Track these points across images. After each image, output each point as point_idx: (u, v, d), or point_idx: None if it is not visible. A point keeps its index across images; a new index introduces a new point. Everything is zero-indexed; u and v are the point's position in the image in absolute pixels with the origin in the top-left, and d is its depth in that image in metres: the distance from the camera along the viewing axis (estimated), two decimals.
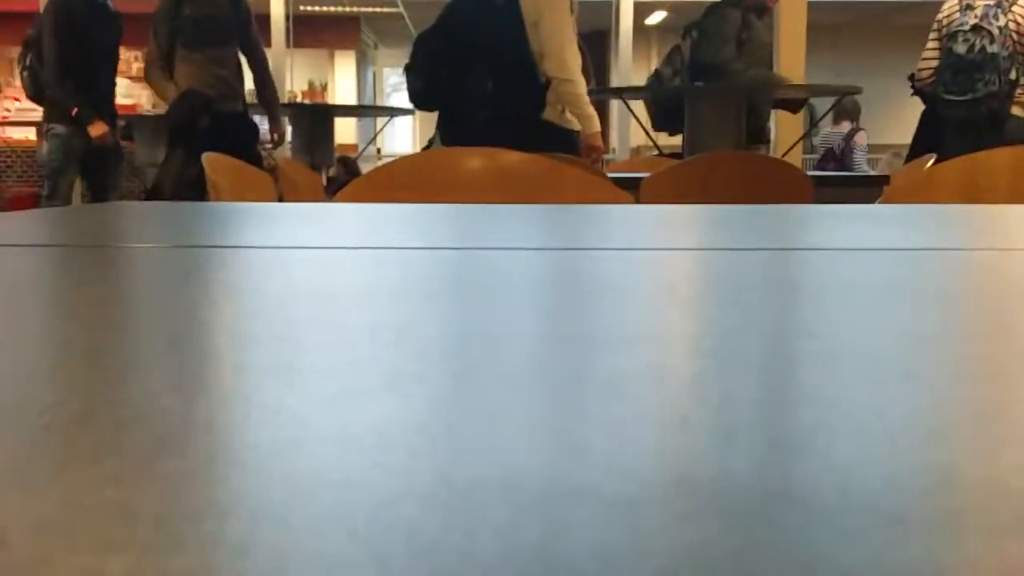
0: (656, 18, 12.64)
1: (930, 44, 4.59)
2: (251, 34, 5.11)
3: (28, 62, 5.23)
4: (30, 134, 8.77)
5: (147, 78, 5.15)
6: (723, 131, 4.28)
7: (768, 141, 4.80)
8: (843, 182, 3.69)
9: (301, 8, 12.00)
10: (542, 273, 0.66)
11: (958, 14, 4.51)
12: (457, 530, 0.21)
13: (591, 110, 3.72)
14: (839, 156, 7.89)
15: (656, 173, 2.72)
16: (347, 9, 13.53)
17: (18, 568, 0.19)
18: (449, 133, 4.59)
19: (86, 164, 5.16)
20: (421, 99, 4.79)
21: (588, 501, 0.22)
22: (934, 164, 2.47)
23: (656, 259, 0.79)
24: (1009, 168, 2.00)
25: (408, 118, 13.89)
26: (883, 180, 3.22)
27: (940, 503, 0.23)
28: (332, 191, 4.23)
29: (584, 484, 0.23)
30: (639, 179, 2.66)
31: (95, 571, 0.19)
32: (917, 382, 0.35)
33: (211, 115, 4.88)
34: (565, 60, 3.66)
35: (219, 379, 0.35)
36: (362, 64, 14.85)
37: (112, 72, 5.33)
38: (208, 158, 2.42)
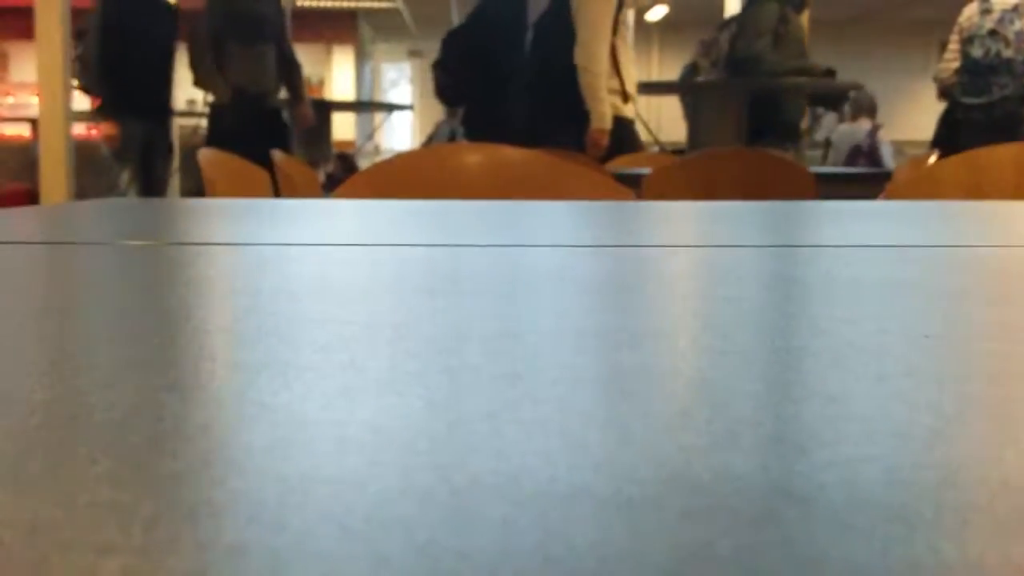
0: (657, 14, 12.64)
1: (951, 46, 4.69)
2: (285, 27, 5.13)
3: (79, 53, 5.19)
4: (24, 130, 8.76)
5: (199, 75, 5.06)
6: (725, 127, 4.29)
7: (798, 138, 4.73)
8: (845, 178, 3.69)
9: (298, 3, 12.00)
10: (542, 270, 0.66)
11: (977, 18, 4.59)
12: (455, 529, 0.20)
13: (604, 107, 3.76)
14: (868, 152, 7.89)
15: (658, 169, 2.72)
16: (345, 4, 13.53)
17: (13, 569, 0.18)
18: (477, 128, 4.67)
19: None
20: (450, 95, 4.91)
21: (587, 500, 0.22)
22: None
23: (658, 256, 0.79)
24: (1012, 165, 2.00)
25: (407, 114, 13.90)
26: (885, 176, 3.22)
27: (944, 500, 0.22)
28: (330, 188, 4.24)
29: (583, 483, 0.23)
30: (641, 176, 2.66)
31: (90, 572, 0.18)
32: (919, 379, 0.35)
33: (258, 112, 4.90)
34: (593, 51, 3.70)
35: (214, 377, 0.35)
36: (360, 59, 14.85)
37: (167, 68, 5.25)
38: (204, 154, 2.42)
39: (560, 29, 3.88)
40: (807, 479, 0.24)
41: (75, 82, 5.31)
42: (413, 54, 15.33)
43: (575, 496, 0.22)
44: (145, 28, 5.00)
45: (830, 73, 4.72)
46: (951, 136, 4.42)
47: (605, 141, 3.80)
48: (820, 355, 0.39)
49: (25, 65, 11.47)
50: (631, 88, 3.89)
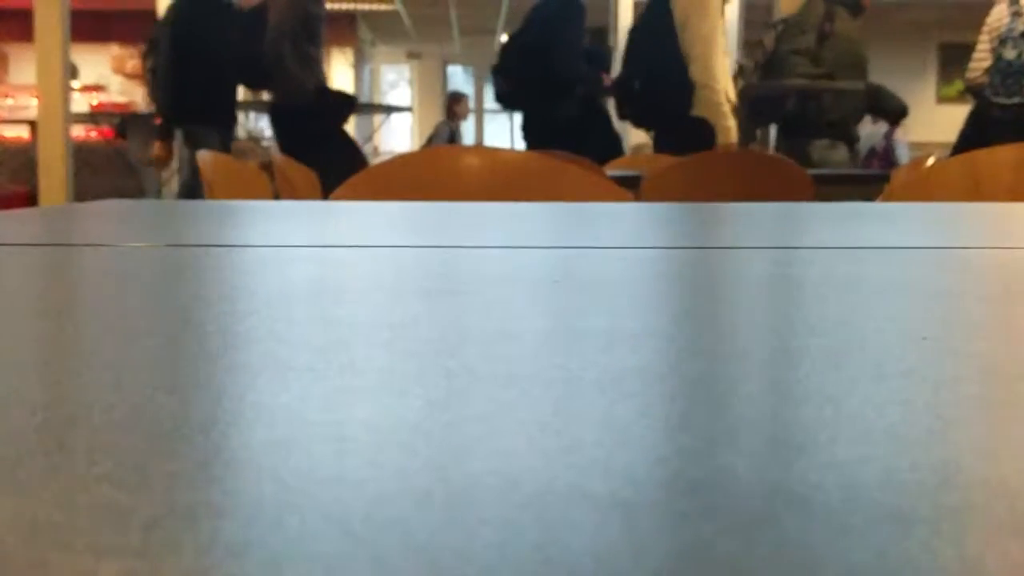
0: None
1: (980, 47, 4.73)
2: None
3: (151, 66, 5.11)
4: (23, 132, 8.75)
5: (289, 74, 4.98)
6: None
7: (851, 140, 4.67)
8: (843, 179, 3.70)
9: None
10: (540, 272, 0.66)
11: (1008, 19, 4.62)
12: (453, 529, 0.20)
13: (728, 121, 3.78)
14: (882, 153, 7.90)
15: (656, 171, 2.72)
16: (344, 6, 13.52)
17: (13, 570, 0.18)
18: (534, 134, 4.74)
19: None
20: (508, 101, 5.00)
21: (585, 500, 0.22)
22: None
23: (656, 257, 0.79)
24: (1011, 166, 2.00)
25: (405, 116, 13.89)
26: (884, 178, 3.22)
27: (942, 501, 0.22)
28: (328, 190, 4.24)
29: (581, 483, 0.23)
30: (640, 177, 2.66)
31: (89, 573, 0.18)
32: (917, 380, 0.35)
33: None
34: (711, 67, 3.72)
35: (213, 378, 0.35)
36: (359, 61, 14.85)
37: (240, 74, 5.13)
38: (203, 156, 2.42)
39: (655, 41, 3.90)
40: (805, 480, 0.24)
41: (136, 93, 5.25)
42: (412, 56, 15.32)
43: (573, 497, 0.22)
44: (217, 33, 4.93)
45: (877, 89, 4.72)
46: (980, 135, 4.44)
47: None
48: (818, 356, 0.39)
49: (24, 67, 11.46)
50: (731, 95, 3.90)
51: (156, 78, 5.05)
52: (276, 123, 4.94)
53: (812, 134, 4.32)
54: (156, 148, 5.03)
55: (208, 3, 4.92)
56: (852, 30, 4.62)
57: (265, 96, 5.27)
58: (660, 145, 3.91)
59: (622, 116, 4.25)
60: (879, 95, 4.93)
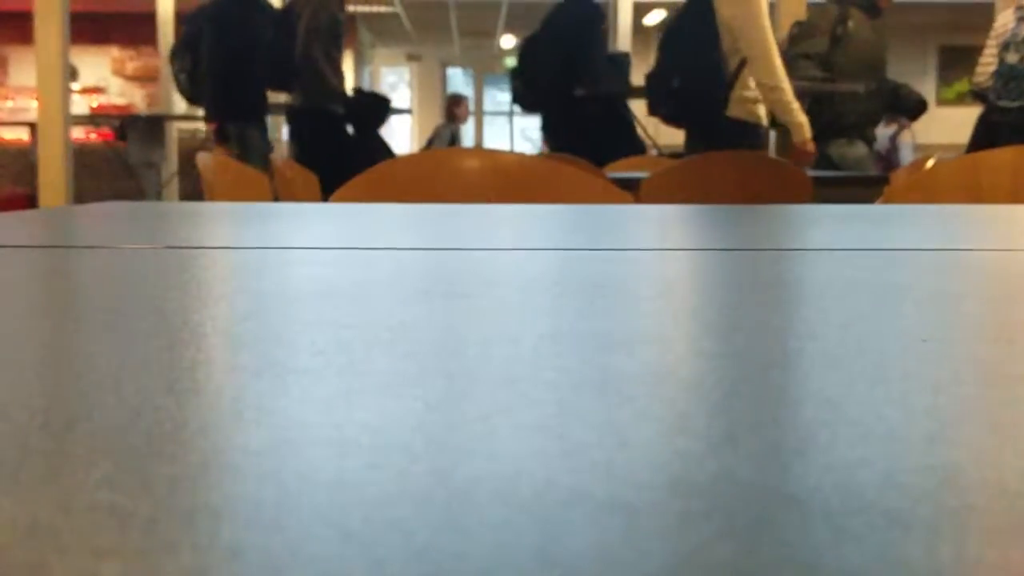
0: (654, 18, 12.64)
1: (987, 51, 4.76)
2: None
3: (185, 64, 5.06)
4: (23, 134, 8.74)
5: (319, 78, 4.95)
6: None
7: (867, 140, 4.67)
8: (843, 182, 3.70)
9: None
10: (540, 274, 0.66)
11: (1013, 24, 4.65)
12: (452, 532, 0.20)
13: (800, 117, 3.78)
14: (885, 155, 7.91)
15: (656, 173, 2.72)
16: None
17: (12, 572, 0.18)
18: (553, 135, 4.79)
19: None
20: (526, 103, 5.06)
21: (584, 503, 0.22)
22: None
23: (656, 259, 0.79)
24: (1010, 168, 2.00)
25: (405, 118, 13.89)
26: (883, 180, 3.22)
27: (941, 504, 0.22)
28: (328, 191, 4.24)
29: (581, 486, 0.23)
30: (639, 179, 2.66)
31: (89, 574, 0.18)
32: (917, 383, 0.35)
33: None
34: (772, 67, 3.72)
35: (212, 380, 0.35)
36: (359, 63, 14.85)
37: (273, 78, 5.05)
38: (202, 158, 2.42)
39: (694, 39, 3.90)
40: (804, 483, 0.24)
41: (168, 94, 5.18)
42: (412, 58, 15.33)
43: (573, 499, 0.22)
44: (256, 32, 4.89)
45: (896, 87, 4.72)
46: (989, 138, 4.46)
47: (812, 148, 3.81)
48: (817, 359, 0.39)
49: (24, 69, 11.47)
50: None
51: (194, 78, 5.01)
52: (301, 126, 4.91)
53: (830, 135, 4.32)
54: (218, 153, 5.00)
55: (246, 2, 4.92)
56: (868, 32, 4.60)
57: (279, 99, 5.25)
58: (691, 145, 3.92)
59: (653, 112, 4.27)
60: (898, 93, 4.93)
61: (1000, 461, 0.26)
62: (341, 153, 4.68)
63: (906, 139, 8.14)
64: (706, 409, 0.31)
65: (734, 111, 3.82)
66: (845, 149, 4.43)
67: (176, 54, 5.15)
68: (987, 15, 5.64)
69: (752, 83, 3.80)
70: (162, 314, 0.49)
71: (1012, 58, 4.66)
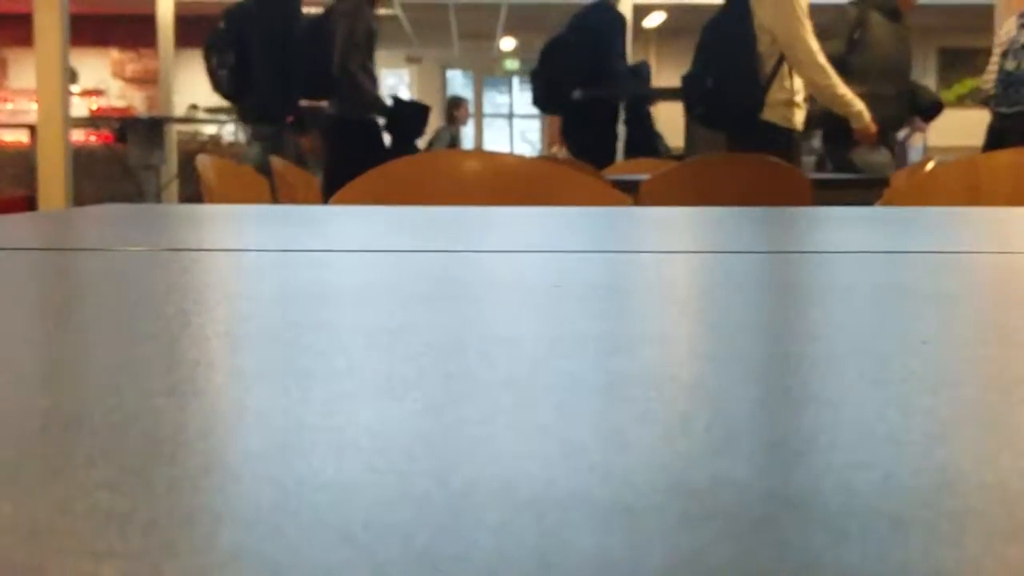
0: (654, 21, 12.64)
1: (993, 58, 4.81)
2: None
3: (226, 59, 5.02)
4: (23, 136, 8.74)
5: (359, 87, 4.96)
6: (718, 133, 4.29)
7: (890, 143, 4.69)
8: (843, 184, 3.71)
9: None
10: (539, 276, 0.66)
11: (1014, 32, 4.69)
12: (453, 535, 0.20)
13: (857, 106, 3.84)
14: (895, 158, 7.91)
15: (655, 175, 2.72)
16: None
17: (12, 574, 0.18)
18: (574, 138, 4.86)
19: None
20: (546, 105, 5.15)
21: (584, 505, 0.22)
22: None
23: (655, 262, 0.79)
24: (1010, 170, 2.00)
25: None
26: (883, 182, 3.22)
27: (941, 506, 0.22)
28: (328, 194, 4.24)
29: (580, 488, 0.23)
30: (638, 181, 2.66)
31: None
32: (917, 385, 0.35)
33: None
34: (818, 66, 3.75)
35: (212, 383, 0.35)
36: None
37: (309, 84, 5.01)
38: (202, 160, 2.42)
39: (731, 41, 3.92)
40: (804, 485, 0.24)
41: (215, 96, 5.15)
42: (411, 60, 15.32)
43: (573, 502, 0.22)
44: (293, 36, 4.87)
45: (915, 88, 4.72)
46: (999, 144, 4.50)
47: (873, 129, 3.90)
48: (817, 361, 0.39)
49: (24, 71, 11.47)
50: (798, 98, 3.92)
51: (237, 74, 4.97)
52: (340, 135, 4.89)
53: (853, 141, 4.32)
54: (308, 143, 4.97)
55: (286, 5, 4.91)
56: (888, 35, 4.58)
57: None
58: (732, 148, 3.96)
59: (690, 114, 4.32)
60: (916, 93, 4.94)
61: (1000, 463, 0.26)
62: (380, 162, 4.67)
63: (916, 142, 8.14)
64: (706, 411, 0.31)
65: (768, 115, 3.84)
66: (868, 156, 4.43)
67: (215, 49, 5.10)
68: (987, 17, 5.64)
69: (787, 85, 3.82)
70: (162, 316, 0.49)
71: (1010, 65, 4.69)
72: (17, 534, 0.20)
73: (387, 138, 5.00)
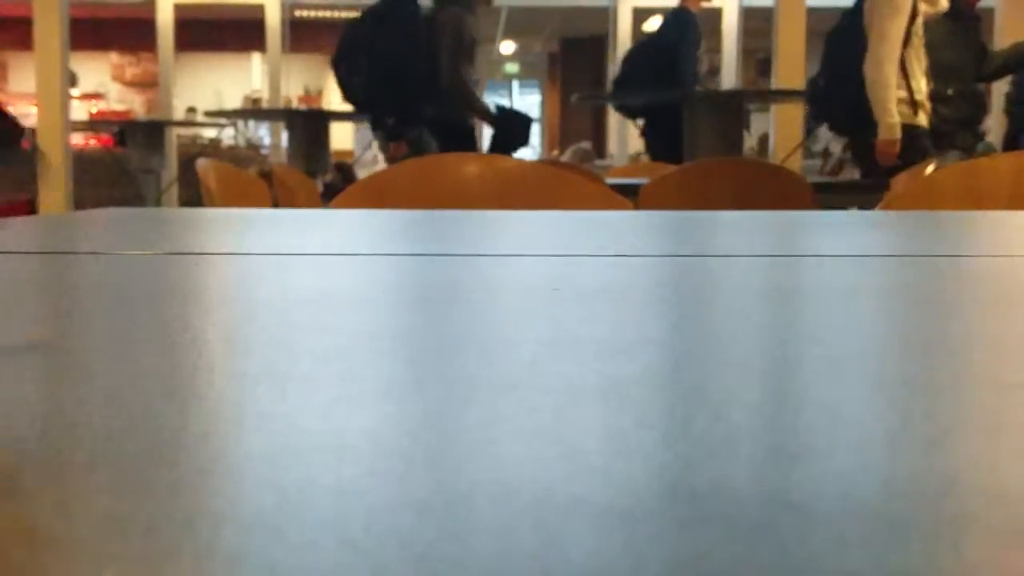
0: (654, 24, 12.65)
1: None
2: None
3: (359, 65, 5.02)
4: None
5: (471, 96, 4.94)
6: (721, 137, 4.30)
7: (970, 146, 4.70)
8: (843, 188, 3.72)
9: (296, 13, 12.01)
10: (540, 279, 0.66)
11: None
12: (452, 539, 0.20)
13: (891, 119, 3.84)
14: None
15: (655, 179, 2.72)
16: (343, 14, 13.52)
17: None
18: (654, 141, 4.98)
19: None
20: (628, 109, 5.32)
21: (584, 509, 0.22)
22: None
23: (655, 265, 0.79)
24: (1009, 174, 2.00)
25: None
26: (884, 186, 3.22)
27: (941, 510, 0.22)
28: (328, 198, 4.24)
29: (580, 492, 0.23)
30: (638, 185, 2.66)
31: None
32: (916, 388, 0.35)
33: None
34: (880, 62, 3.79)
35: (212, 387, 0.35)
36: None
37: (417, 88, 5.03)
38: (202, 164, 2.42)
39: (852, 45, 3.96)
40: (804, 488, 0.24)
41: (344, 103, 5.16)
42: None
43: (572, 505, 0.22)
44: (417, 38, 4.90)
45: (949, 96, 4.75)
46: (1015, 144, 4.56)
47: (894, 150, 3.86)
48: (816, 365, 0.39)
49: (24, 75, 11.48)
50: (920, 97, 3.93)
51: (372, 81, 4.96)
52: (444, 138, 4.92)
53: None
54: (393, 149, 4.98)
55: (407, 3, 4.93)
56: (947, 35, 4.56)
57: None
58: (855, 149, 4.00)
59: (816, 119, 4.39)
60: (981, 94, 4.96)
61: (1000, 467, 0.26)
62: None
63: None
64: (705, 415, 0.31)
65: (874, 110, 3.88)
66: (943, 161, 4.43)
67: (346, 58, 5.10)
68: (987, 20, 5.64)
69: (911, 85, 3.84)
70: (162, 320, 0.49)
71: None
72: (17, 538, 0.20)
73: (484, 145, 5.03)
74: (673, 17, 5.48)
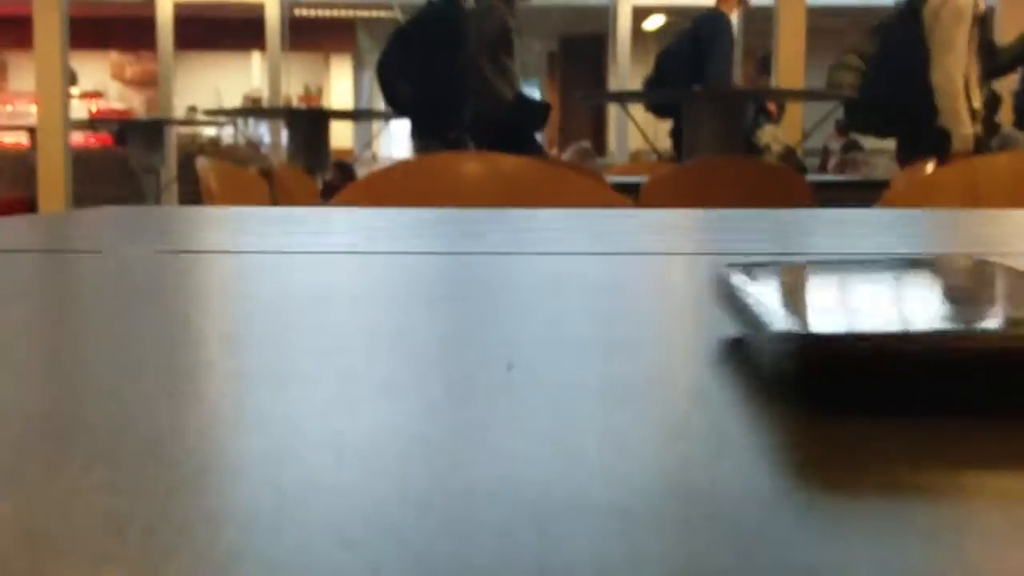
0: (654, 23, 12.65)
1: None
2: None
3: (408, 72, 5.01)
4: (22, 138, 8.74)
5: (489, 87, 4.91)
6: (721, 135, 4.30)
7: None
8: (843, 186, 3.72)
9: (296, 12, 12.01)
10: (540, 278, 0.66)
11: None
12: (451, 538, 0.20)
13: (965, 129, 3.84)
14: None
15: (656, 177, 2.72)
16: (343, 13, 13.53)
17: None
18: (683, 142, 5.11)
19: None
20: (661, 110, 5.39)
21: (584, 509, 0.22)
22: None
23: (655, 263, 0.79)
24: (1008, 172, 2.00)
25: (404, 122, 13.89)
26: (883, 184, 3.22)
27: (942, 509, 0.22)
28: (327, 196, 4.24)
29: (581, 491, 0.23)
30: (639, 184, 2.66)
31: None
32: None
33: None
34: (949, 71, 3.78)
35: (211, 385, 0.35)
36: (358, 68, 14.86)
37: (462, 76, 5.02)
38: (202, 162, 2.42)
39: (908, 51, 3.95)
40: (804, 488, 0.24)
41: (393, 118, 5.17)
42: None
43: (573, 505, 0.22)
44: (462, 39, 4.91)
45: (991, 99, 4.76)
46: None
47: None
48: None
49: (24, 74, 11.48)
50: (978, 105, 3.93)
51: (420, 89, 4.96)
52: (477, 135, 4.93)
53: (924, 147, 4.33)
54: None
55: (451, 13, 4.94)
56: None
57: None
58: (905, 154, 4.00)
59: (852, 126, 4.41)
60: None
61: (1000, 466, 0.26)
62: None
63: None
64: (706, 414, 0.30)
65: (943, 121, 3.87)
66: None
67: (392, 66, 5.09)
68: (987, 20, 5.64)
69: (968, 94, 3.84)
70: (160, 319, 0.49)
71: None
72: (14, 537, 0.20)
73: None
74: (705, 18, 5.48)
